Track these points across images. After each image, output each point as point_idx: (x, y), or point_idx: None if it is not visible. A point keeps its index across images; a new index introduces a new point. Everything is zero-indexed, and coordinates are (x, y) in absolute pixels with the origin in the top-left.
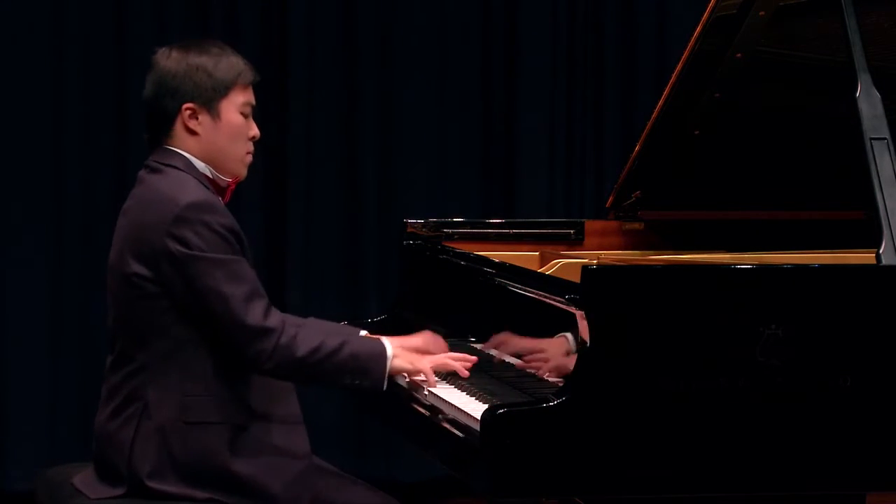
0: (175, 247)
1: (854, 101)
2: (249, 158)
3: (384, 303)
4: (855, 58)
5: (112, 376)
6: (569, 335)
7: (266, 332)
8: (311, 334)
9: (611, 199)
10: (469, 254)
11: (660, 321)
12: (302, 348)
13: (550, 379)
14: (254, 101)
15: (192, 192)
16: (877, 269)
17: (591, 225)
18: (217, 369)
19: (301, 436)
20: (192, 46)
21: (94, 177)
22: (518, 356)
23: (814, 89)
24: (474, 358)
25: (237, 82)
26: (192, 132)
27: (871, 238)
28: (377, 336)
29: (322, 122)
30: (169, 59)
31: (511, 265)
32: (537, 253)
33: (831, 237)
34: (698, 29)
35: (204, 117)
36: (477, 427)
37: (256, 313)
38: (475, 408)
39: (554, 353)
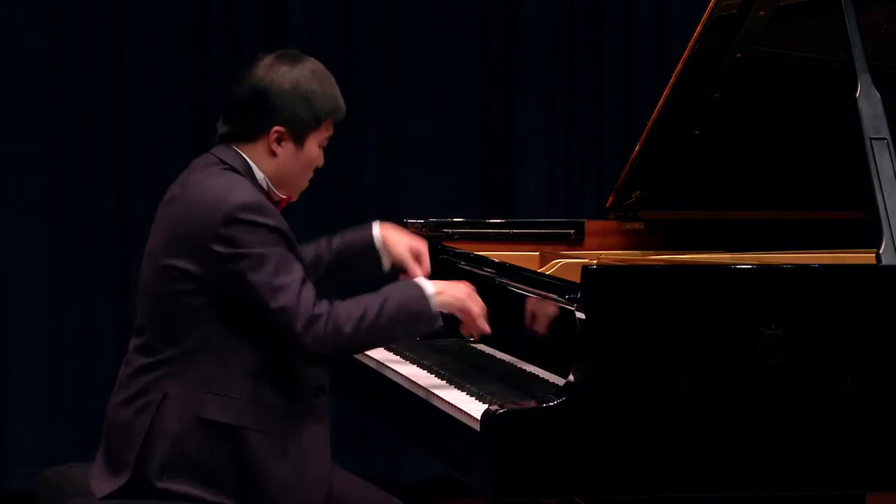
0: (223, 248)
1: (854, 101)
2: (307, 185)
3: None
4: (855, 58)
5: (133, 363)
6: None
7: (316, 318)
8: (351, 305)
9: (611, 199)
10: (469, 254)
11: (660, 321)
12: (347, 324)
13: (550, 379)
14: (332, 134)
15: (245, 193)
16: (877, 269)
17: (591, 225)
18: (243, 371)
19: (323, 436)
20: (300, 66)
21: (95, 177)
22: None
23: (814, 89)
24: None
25: (330, 118)
26: (273, 153)
27: (871, 238)
28: (413, 280)
29: None
30: (276, 73)
31: (511, 265)
32: (537, 253)
33: (831, 237)
34: (698, 29)
35: (288, 144)
36: (477, 427)
37: (308, 303)
38: (475, 408)
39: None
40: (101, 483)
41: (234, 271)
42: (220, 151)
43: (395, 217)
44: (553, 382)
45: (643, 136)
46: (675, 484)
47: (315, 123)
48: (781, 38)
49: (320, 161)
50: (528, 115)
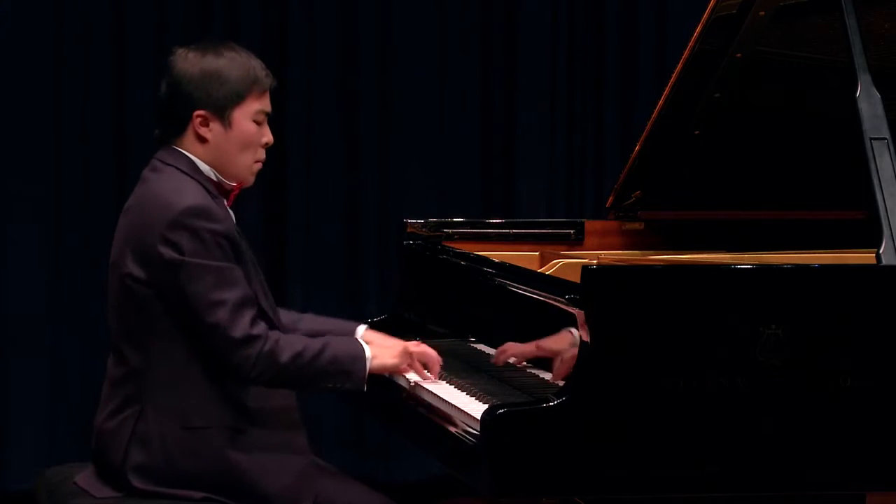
0: (167, 252)
1: (854, 101)
2: (258, 166)
3: (384, 303)
4: (855, 58)
5: (112, 377)
6: (573, 329)
7: (251, 339)
8: (294, 340)
9: (611, 199)
10: (469, 254)
11: (660, 321)
12: (284, 355)
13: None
14: (269, 109)
15: (190, 197)
16: (877, 269)
17: (591, 225)
18: (214, 373)
19: (300, 436)
20: (209, 50)
21: (95, 176)
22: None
23: (814, 89)
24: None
25: (252, 90)
26: (202, 139)
27: (871, 238)
28: (356, 340)
29: (322, 122)
30: (185, 62)
31: (511, 265)
32: (537, 253)
33: (831, 237)
34: (698, 29)
35: (215, 125)
36: (477, 427)
37: (243, 322)
38: (475, 408)
39: (564, 355)
40: (92, 488)
41: (176, 280)
42: (162, 155)
43: (395, 217)
44: (553, 382)
45: (643, 136)
46: (675, 484)
47: (236, 98)
48: (781, 38)
49: (265, 137)
50: (528, 116)
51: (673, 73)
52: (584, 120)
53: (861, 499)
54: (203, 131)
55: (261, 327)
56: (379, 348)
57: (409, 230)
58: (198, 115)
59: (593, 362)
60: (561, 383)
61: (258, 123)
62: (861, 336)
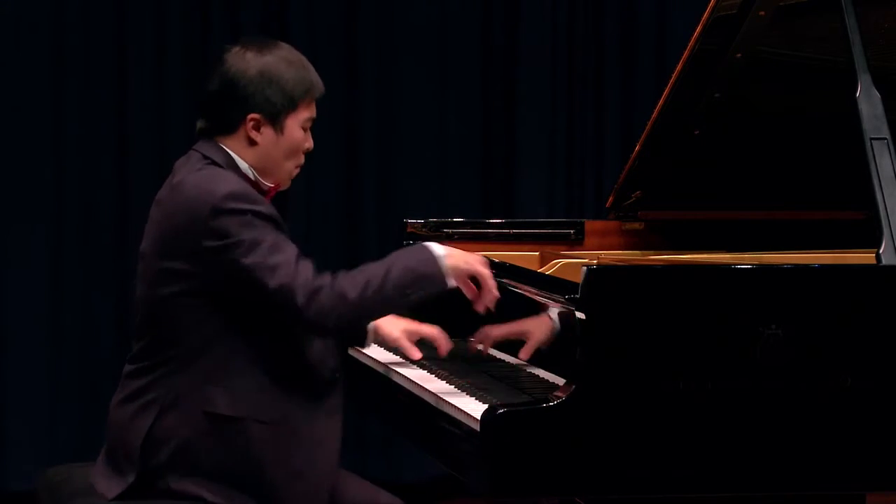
0: (215, 241)
1: (854, 101)
2: (297, 171)
3: None
4: (855, 58)
5: (135, 363)
6: (551, 312)
7: (318, 290)
8: (355, 273)
9: (611, 199)
10: None
11: (660, 321)
12: (352, 291)
13: (549, 378)
14: (315, 115)
15: (229, 183)
16: (877, 269)
17: (591, 225)
18: (247, 364)
19: (334, 427)
20: (267, 51)
21: (95, 177)
22: (507, 347)
23: (814, 89)
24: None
25: (306, 97)
26: (253, 142)
27: (871, 238)
28: (418, 244)
29: (322, 122)
30: (243, 61)
31: (511, 265)
32: (537, 253)
33: (831, 237)
34: (698, 29)
35: (267, 130)
36: (477, 427)
37: (307, 276)
38: (475, 408)
39: (542, 336)
40: (108, 483)
41: (229, 261)
42: (201, 147)
43: (396, 217)
44: (553, 382)
45: (643, 135)
46: (675, 484)
47: (291, 105)
48: (781, 38)
49: (308, 144)
50: (528, 115)
51: (673, 73)
52: (584, 120)
53: (861, 499)
54: (254, 135)
55: (323, 277)
56: (449, 248)
57: (409, 230)
58: (252, 119)
59: (593, 362)
60: (561, 383)
61: (304, 130)
62: (861, 336)
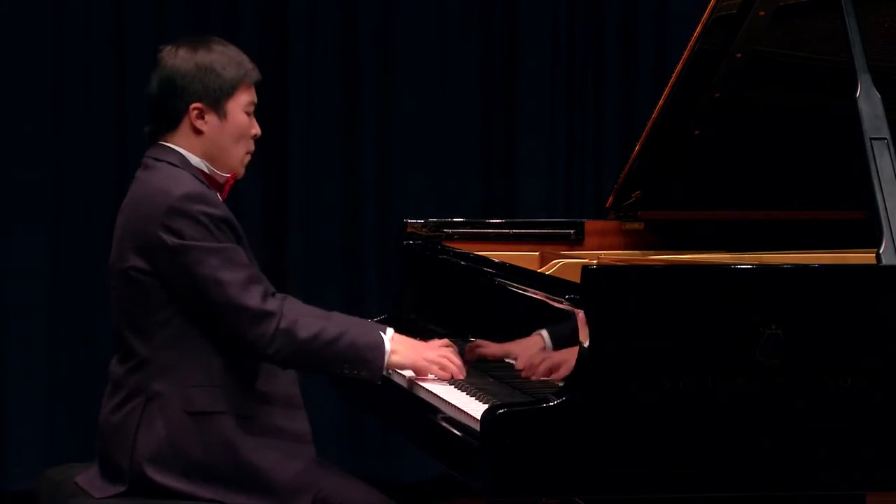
0: (169, 238)
1: (854, 101)
2: (248, 158)
3: (384, 303)
4: (855, 58)
5: (116, 372)
6: (544, 332)
7: (265, 315)
8: (312, 320)
9: (611, 199)
10: (469, 254)
11: (660, 321)
12: (302, 333)
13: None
14: (256, 100)
15: (186, 185)
16: (877, 269)
17: (591, 225)
18: (220, 359)
19: (302, 420)
20: (200, 45)
21: (95, 176)
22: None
23: (814, 89)
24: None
25: (243, 82)
26: (198, 131)
27: (871, 238)
28: (380, 325)
29: (322, 122)
30: (177, 58)
31: (511, 265)
32: (537, 253)
33: (831, 237)
34: (698, 29)
35: (211, 117)
36: (477, 427)
37: (254, 297)
38: (475, 408)
39: (532, 357)
40: (94, 487)
41: (181, 265)
42: (152, 151)
43: (396, 217)
44: (553, 382)
45: (643, 135)
46: (674, 484)
47: (230, 89)
48: (781, 38)
49: (254, 129)
50: (528, 116)
51: (673, 73)
52: (584, 120)
53: (861, 499)
54: (199, 124)
55: (274, 303)
56: (399, 344)
57: (409, 230)
58: (194, 108)
59: (593, 362)
60: (561, 383)
61: (248, 115)
62: (861, 336)
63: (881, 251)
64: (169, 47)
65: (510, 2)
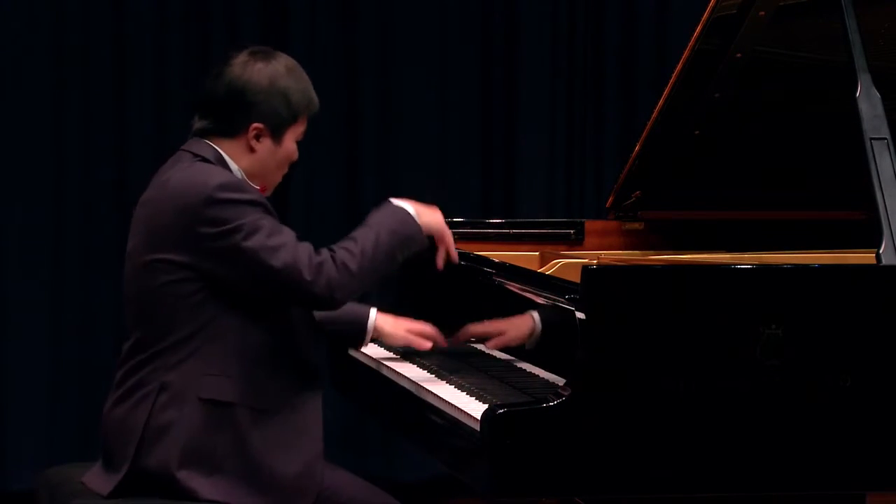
0: (210, 228)
1: (854, 101)
2: (280, 180)
3: (384, 303)
4: (855, 58)
5: (127, 363)
6: (535, 313)
7: (321, 267)
8: (348, 245)
9: (611, 199)
10: (469, 254)
11: (660, 321)
12: (352, 262)
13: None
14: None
15: (221, 175)
16: (877, 269)
17: (591, 225)
18: (238, 350)
19: (316, 418)
20: (276, 62)
21: (95, 175)
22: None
23: (814, 89)
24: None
25: (304, 113)
26: (252, 150)
27: (871, 238)
28: (390, 203)
29: (322, 121)
30: (252, 71)
31: (511, 265)
32: (537, 253)
33: (831, 237)
34: (698, 29)
35: (266, 140)
36: (477, 427)
37: (308, 254)
38: (475, 408)
39: (518, 334)
40: (99, 482)
41: (228, 246)
42: (192, 145)
43: None
44: (553, 382)
45: (643, 136)
46: (674, 484)
47: (292, 119)
48: (781, 38)
49: (295, 156)
50: (528, 115)
51: (673, 73)
52: (584, 120)
53: (861, 499)
54: (254, 143)
55: (322, 253)
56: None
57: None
58: (255, 128)
59: (593, 362)
60: (561, 383)
61: (296, 143)
62: (861, 336)
63: (881, 251)
64: (243, 55)
65: (510, 2)
